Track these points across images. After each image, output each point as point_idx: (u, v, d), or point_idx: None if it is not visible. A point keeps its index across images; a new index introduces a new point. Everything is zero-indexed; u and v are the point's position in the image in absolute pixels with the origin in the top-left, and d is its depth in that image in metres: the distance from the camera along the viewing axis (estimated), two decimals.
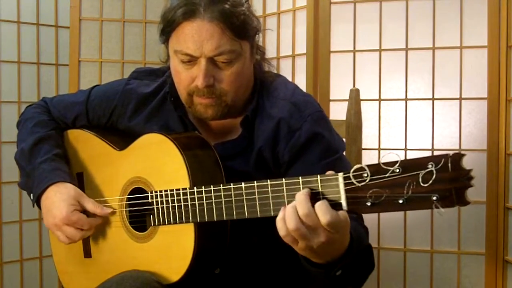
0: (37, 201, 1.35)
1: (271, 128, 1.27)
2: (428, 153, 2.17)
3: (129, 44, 2.56)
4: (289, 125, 1.26)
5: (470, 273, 2.13)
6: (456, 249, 2.14)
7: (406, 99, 2.21)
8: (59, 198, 1.30)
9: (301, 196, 0.98)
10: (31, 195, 1.37)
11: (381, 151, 2.23)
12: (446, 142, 2.16)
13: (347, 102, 1.66)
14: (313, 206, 0.97)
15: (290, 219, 0.98)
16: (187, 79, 1.23)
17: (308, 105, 1.29)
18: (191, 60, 1.21)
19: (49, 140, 1.42)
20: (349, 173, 0.95)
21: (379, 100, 2.24)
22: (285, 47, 2.41)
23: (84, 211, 1.32)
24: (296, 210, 0.98)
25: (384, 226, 2.23)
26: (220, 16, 1.18)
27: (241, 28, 1.21)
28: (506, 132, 2.03)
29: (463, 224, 2.13)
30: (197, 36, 1.18)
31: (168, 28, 1.23)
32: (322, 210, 0.96)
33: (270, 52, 2.39)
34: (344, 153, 1.32)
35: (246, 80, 1.28)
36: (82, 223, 1.30)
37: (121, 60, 2.54)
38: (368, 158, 2.21)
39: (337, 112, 2.22)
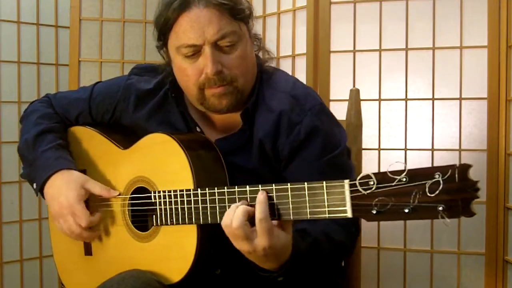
0: (40, 190, 1.35)
1: (272, 120, 1.26)
2: (428, 153, 2.17)
3: (129, 44, 2.55)
4: (290, 118, 1.25)
5: (470, 273, 2.13)
6: (456, 249, 2.14)
7: (406, 99, 2.21)
8: (66, 185, 1.30)
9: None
10: (34, 184, 1.37)
11: (381, 151, 2.23)
12: (446, 142, 2.16)
13: (347, 102, 1.65)
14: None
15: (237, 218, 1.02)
16: (194, 73, 1.23)
17: (308, 98, 1.29)
18: (195, 52, 1.21)
19: (53, 132, 1.43)
20: (355, 180, 0.94)
21: (379, 100, 2.24)
22: (285, 47, 2.41)
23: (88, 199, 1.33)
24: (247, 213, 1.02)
25: (384, 226, 2.22)
26: (214, 0, 1.20)
27: (236, 9, 1.22)
28: (506, 132, 2.03)
29: (463, 224, 2.12)
30: (197, 24, 1.19)
31: (165, 28, 1.24)
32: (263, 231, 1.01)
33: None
34: (347, 144, 1.32)
35: (251, 64, 1.29)
36: (83, 218, 1.30)
37: (121, 60, 2.54)
38: (368, 158, 2.21)
39: (337, 112, 2.17)
